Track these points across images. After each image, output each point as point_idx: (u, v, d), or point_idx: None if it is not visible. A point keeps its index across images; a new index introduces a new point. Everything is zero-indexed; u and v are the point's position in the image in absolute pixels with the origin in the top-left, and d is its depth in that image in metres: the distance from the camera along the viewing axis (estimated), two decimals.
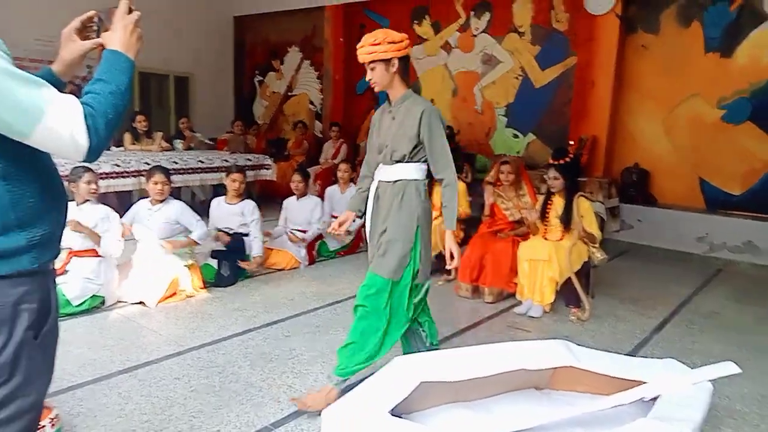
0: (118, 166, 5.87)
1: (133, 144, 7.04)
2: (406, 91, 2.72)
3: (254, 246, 4.71)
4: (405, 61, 2.68)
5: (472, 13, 8.05)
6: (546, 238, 4.26)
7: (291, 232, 5.20)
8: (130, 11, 1.36)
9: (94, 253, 3.82)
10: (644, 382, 2.55)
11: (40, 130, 1.15)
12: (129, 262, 4.16)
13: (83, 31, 1.45)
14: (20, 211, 1.24)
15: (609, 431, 2.11)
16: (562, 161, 4.20)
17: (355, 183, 6.12)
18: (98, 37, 1.42)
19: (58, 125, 1.16)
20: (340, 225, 2.93)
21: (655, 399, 2.45)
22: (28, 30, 7.48)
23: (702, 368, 2.53)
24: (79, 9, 1.48)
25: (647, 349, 3.54)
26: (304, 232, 5.23)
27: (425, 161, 2.70)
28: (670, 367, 2.65)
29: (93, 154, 1.22)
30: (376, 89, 2.75)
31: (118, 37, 1.34)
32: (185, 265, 4.18)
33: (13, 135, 1.16)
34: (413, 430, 1.96)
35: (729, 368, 2.45)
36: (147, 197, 4.32)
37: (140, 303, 3.91)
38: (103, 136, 1.22)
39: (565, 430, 2.39)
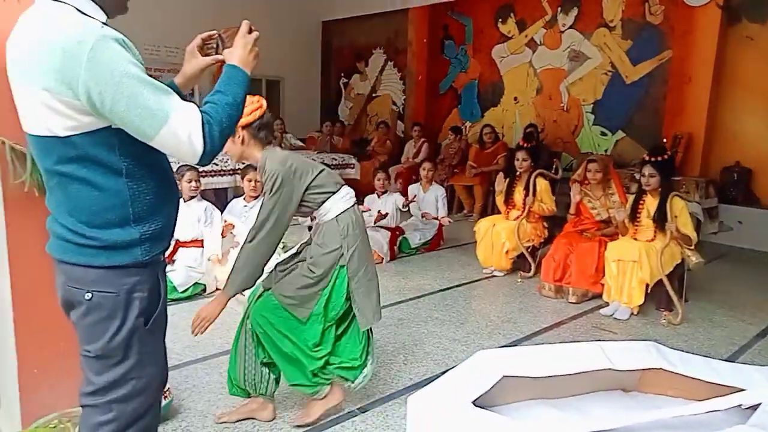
0: (216, 164, 6.29)
1: None
2: (263, 153, 2.39)
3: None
4: (256, 127, 2.39)
5: (558, 8, 7.87)
6: (636, 239, 4.12)
7: (375, 224, 5.29)
8: (251, 31, 1.50)
9: (198, 244, 4.15)
10: (742, 389, 2.44)
11: (163, 133, 1.26)
12: (228, 253, 4.46)
13: (203, 48, 1.62)
14: (137, 207, 1.37)
15: None
16: (660, 158, 4.04)
17: (437, 182, 6.21)
18: (217, 53, 1.58)
19: (180, 130, 1.27)
20: None
21: (755, 408, 2.34)
22: (160, 38, 8.41)
23: None
24: (204, 25, 1.68)
25: (747, 357, 3.36)
26: (387, 228, 5.36)
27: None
28: None
29: (206, 158, 1.33)
30: (233, 161, 2.45)
31: (238, 54, 1.47)
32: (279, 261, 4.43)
33: (138, 135, 1.28)
34: (496, 421, 2.00)
35: None
36: (241, 195, 4.63)
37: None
38: (217, 142, 1.33)
39: None
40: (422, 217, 5.78)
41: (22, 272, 1.97)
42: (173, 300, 3.89)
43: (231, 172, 6.32)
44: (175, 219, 1.54)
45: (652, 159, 4.02)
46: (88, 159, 1.30)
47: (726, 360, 3.21)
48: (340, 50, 11.26)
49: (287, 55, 10.90)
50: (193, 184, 4.22)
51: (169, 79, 1.64)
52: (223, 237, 4.24)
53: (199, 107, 1.34)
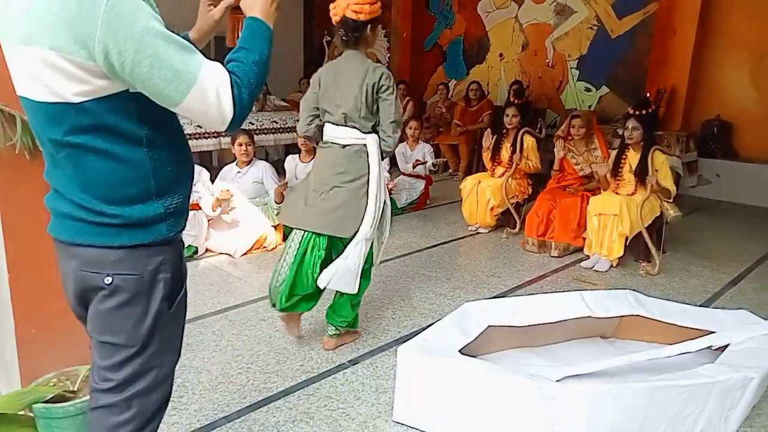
0: (199, 126, 6.23)
1: None
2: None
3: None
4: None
5: None
6: (617, 193, 4.21)
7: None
8: None
9: (192, 207, 4.16)
10: (713, 332, 2.58)
11: (190, 98, 1.12)
12: (220, 217, 4.48)
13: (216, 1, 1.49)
14: (160, 179, 1.23)
15: (675, 375, 2.17)
16: (644, 112, 4.08)
17: (423, 140, 6.22)
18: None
19: (209, 93, 1.14)
20: None
21: (724, 349, 2.47)
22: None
23: None
24: None
25: (719, 303, 3.50)
26: None
27: None
28: (741, 318, 2.65)
29: (236, 123, 1.20)
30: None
31: (259, 6, 1.30)
32: (272, 225, 4.46)
33: (162, 101, 1.14)
34: (481, 367, 2.11)
35: None
36: (230, 161, 4.61)
37: (226, 254, 4.24)
38: (246, 106, 1.20)
39: (630, 376, 2.47)
40: (413, 167, 5.83)
41: (16, 235, 1.99)
42: None
43: (215, 135, 6.27)
44: (191, 193, 1.40)
45: (636, 112, 4.06)
46: (105, 128, 1.16)
47: (700, 306, 3.35)
48: (322, 7, 10.99)
49: None
50: None
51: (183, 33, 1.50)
52: (219, 205, 4.22)
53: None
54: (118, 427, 1.28)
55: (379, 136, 2.70)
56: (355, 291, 2.69)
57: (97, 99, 1.13)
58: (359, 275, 2.66)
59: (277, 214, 4.50)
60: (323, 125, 2.77)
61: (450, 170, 7.77)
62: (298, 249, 2.71)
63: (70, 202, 1.21)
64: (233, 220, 4.36)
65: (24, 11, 1.09)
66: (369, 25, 2.63)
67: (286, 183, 4.70)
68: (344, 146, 2.69)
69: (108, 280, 1.21)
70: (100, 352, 1.28)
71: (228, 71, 1.18)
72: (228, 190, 4.26)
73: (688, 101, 6.50)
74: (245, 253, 4.26)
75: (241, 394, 2.42)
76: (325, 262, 2.70)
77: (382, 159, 2.76)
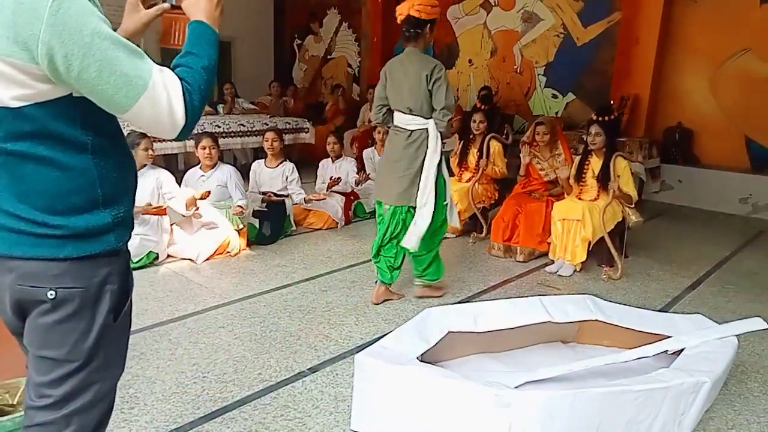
0: None
1: None
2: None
3: (295, 196, 4.90)
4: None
5: None
6: (580, 198, 4.26)
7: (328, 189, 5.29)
8: None
9: (152, 212, 4.05)
10: (669, 337, 2.61)
11: (140, 104, 1.08)
12: (188, 221, 4.37)
13: (149, 0, 1.40)
14: (106, 187, 1.19)
15: (630, 380, 2.18)
16: (606, 118, 4.14)
17: None
18: (164, 1, 1.39)
19: (160, 100, 1.10)
20: None
21: (680, 353, 2.50)
22: None
23: (729, 323, 2.56)
24: None
25: (678, 307, 3.56)
26: (341, 193, 5.36)
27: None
28: (696, 322, 2.69)
29: (187, 130, 1.16)
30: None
31: (203, 8, 1.25)
32: (236, 230, 4.38)
33: (110, 107, 1.10)
34: (438, 374, 2.09)
35: (756, 324, 2.47)
36: (196, 164, 4.52)
37: (189, 259, 4.15)
38: (197, 113, 1.16)
39: (588, 381, 2.48)
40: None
41: None
42: None
43: None
44: (134, 202, 1.36)
45: (599, 118, 4.12)
46: (47, 134, 1.10)
47: (659, 311, 3.40)
48: (293, 10, 10.94)
49: (238, 14, 10.50)
50: (149, 152, 4.10)
51: None
52: (187, 209, 4.13)
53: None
54: None
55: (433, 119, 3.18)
56: (415, 249, 3.30)
57: (38, 104, 1.07)
58: (420, 237, 3.22)
59: (242, 218, 4.43)
60: (393, 112, 3.31)
61: None
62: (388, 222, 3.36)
63: (5, 213, 1.14)
64: (204, 223, 4.28)
65: None
66: (428, 25, 3.17)
67: (241, 211, 4.51)
68: (411, 132, 3.21)
69: (51, 294, 1.14)
70: (38, 367, 1.21)
71: (178, 77, 1.14)
72: (196, 197, 4.17)
73: (651, 109, 6.64)
74: (208, 259, 4.17)
75: (195, 404, 2.36)
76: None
77: (442, 139, 3.24)
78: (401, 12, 3.16)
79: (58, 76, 1.05)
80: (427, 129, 3.18)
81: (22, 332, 1.23)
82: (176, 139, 1.22)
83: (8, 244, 1.15)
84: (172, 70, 1.17)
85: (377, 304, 3.46)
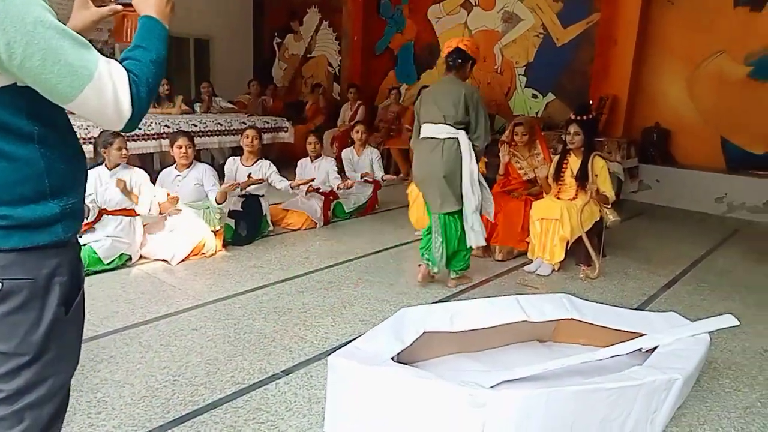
0: (139, 128, 6.00)
1: (154, 107, 7.16)
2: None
3: (278, 184, 4.84)
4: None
5: None
6: (559, 198, 4.27)
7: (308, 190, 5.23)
8: None
9: (124, 213, 3.96)
10: (644, 335, 2.62)
11: (85, 95, 1.08)
12: (159, 222, 4.30)
13: None
14: (53, 178, 1.18)
15: (603, 378, 2.18)
16: (584, 117, 4.16)
17: (371, 145, 6.17)
18: (116, 2, 1.40)
19: (105, 90, 1.10)
20: None
21: (654, 350, 2.51)
22: None
23: (701, 321, 2.57)
24: None
25: (654, 306, 3.58)
26: (321, 193, 5.31)
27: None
28: (670, 319, 2.70)
29: (134, 122, 1.16)
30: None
31: (152, 3, 1.27)
32: (212, 230, 4.31)
33: (54, 97, 1.10)
34: (411, 374, 2.06)
35: (727, 321, 2.49)
36: (172, 163, 4.44)
37: (162, 260, 4.07)
38: (145, 105, 1.17)
39: (564, 379, 2.47)
40: (361, 177, 5.73)
41: None
42: (96, 271, 3.74)
43: (155, 137, 6.06)
44: (85, 193, 1.36)
45: (577, 118, 4.14)
46: None
47: (636, 309, 3.42)
48: (273, 8, 10.85)
49: (217, 12, 10.43)
50: (123, 151, 4.01)
51: None
52: (163, 211, 4.05)
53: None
54: None
55: (471, 141, 3.54)
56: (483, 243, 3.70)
57: None
58: (482, 233, 3.62)
59: (219, 218, 4.36)
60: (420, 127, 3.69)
61: (401, 174, 7.76)
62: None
63: None
64: (174, 225, 4.20)
65: None
66: (471, 61, 3.64)
67: (236, 183, 4.55)
68: (443, 140, 3.50)
69: None
70: None
71: (125, 69, 1.15)
72: (175, 198, 4.08)
73: (629, 109, 6.71)
74: (183, 260, 4.09)
75: (165, 408, 2.30)
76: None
77: (476, 159, 3.58)
78: (450, 45, 3.64)
79: (0, 64, 1.03)
80: (458, 139, 3.48)
81: None
82: (123, 131, 1.19)
83: None
84: (120, 63, 1.16)
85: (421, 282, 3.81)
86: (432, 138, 3.56)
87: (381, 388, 2.06)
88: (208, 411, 2.29)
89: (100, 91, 1.10)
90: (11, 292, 1.14)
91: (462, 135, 3.50)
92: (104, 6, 1.40)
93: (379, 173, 5.77)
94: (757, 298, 3.77)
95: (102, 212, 3.94)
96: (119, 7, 1.38)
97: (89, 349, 2.74)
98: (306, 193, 5.19)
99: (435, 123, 3.54)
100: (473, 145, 3.53)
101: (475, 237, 3.60)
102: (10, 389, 1.18)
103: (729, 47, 6.11)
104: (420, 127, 3.69)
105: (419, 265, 3.87)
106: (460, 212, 3.62)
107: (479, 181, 3.60)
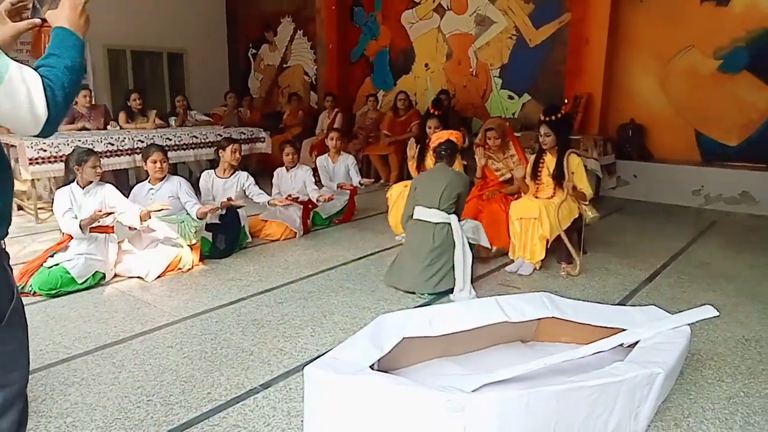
0: (112, 144, 5.90)
1: (128, 123, 7.05)
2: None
3: (257, 198, 4.81)
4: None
5: None
6: (537, 197, 4.26)
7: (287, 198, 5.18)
8: None
9: (98, 230, 3.87)
10: (625, 330, 2.59)
11: None
12: (134, 238, 4.20)
13: (16, 13, 1.41)
14: None
15: (584, 376, 2.15)
16: (552, 117, 4.17)
17: (346, 152, 6.13)
18: (33, 17, 1.39)
19: (18, 94, 1.11)
20: None
21: (635, 345, 2.49)
22: None
23: (681, 313, 2.56)
24: None
25: (635, 300, 3.57)
26: (299, 202, 5.25)
27: None
28: (650, 313, 2.68)
29: (50, 127, 1.17)
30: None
31: (65, 16, 1.30)
32: (188, 245, 4.22)
33: None
34: (388, 382, 2.01)
35: (707, 312, 2.48)
36: (145, 178, 4.35)
37: (137, 278, 3.98)
38: (61, 109, 1.18)
39: (547, 379, 2.44)
40: (338, 188, 5.69)
41: None
42: (69, 292, 3.64)
43: (129, 152, 5.96)
44: (11, 199, 1.33)
45: (546, 119, 4.14)
46: None
47: (617, 305, 3.41)
48: (246, 20, 10.80)
49: (190, 25, 10.35)
50: (98, 169, 3.92)
51: None
52: (141, 222, 3.96)
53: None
54: None
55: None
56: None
57: None
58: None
59: (195, 232, 4.27)
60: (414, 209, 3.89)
61: (381, 180, 7.72)
62: None
63: None
64: (159, 239, 4.12)
65: None
66: (458, 153, 4.13)
67: (217, 207, 4.48)
68: (436, 223, 3.73)
69: None
70: None
71: (39, 74, 1.16)
72: (148, 213, 3.98)
73: (604, 106, 6.76)
74: (159, 276, 4.00)
75: (138, 430, 2.22)
76: None
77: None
78: (441, 137, 4.05)
79: None
80: (449, 224, 3.73)
81: None
82: (40, 135, 1.19)
83: None
84: (35, 70, 1.17)
85: None
86: (425, 221, 3.78)
87: (358, 397, 2.00)
88: (183, 431, 2.21)
89: (11, 94, 1.11)
90: None
91: (453, 219, 3.74)
92: (24, 21, 1.40)
93: (356, 179, 5.74)
94: (737, 288, 3.78)
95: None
96: (38, 21, 1.38)
97: (59, 372, 2.65)
98: (286, 198, 5.13)
99: (428, 207, 3.78)
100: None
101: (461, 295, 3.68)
102: None
103: (698, 42, 6.20)
104: (413, 208, 3.89)
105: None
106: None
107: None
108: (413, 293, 3.69)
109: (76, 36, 1.29)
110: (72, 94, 1.22)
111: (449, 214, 3.75)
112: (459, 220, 3.79)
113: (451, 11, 8.14)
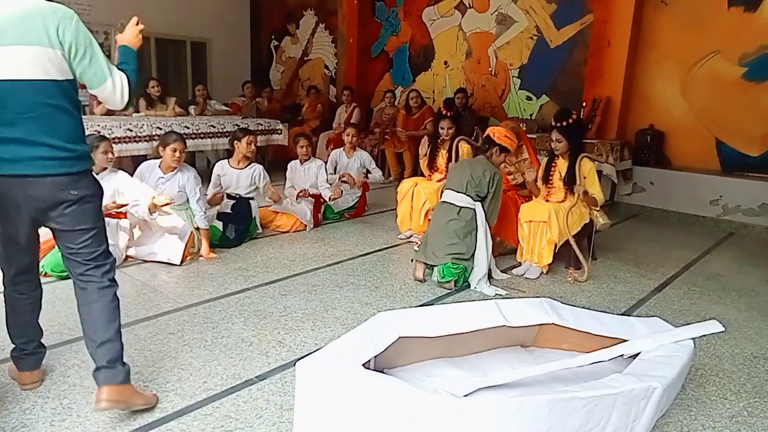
0: (131, 130, 5.96)
1: (147, 109, 7.13)
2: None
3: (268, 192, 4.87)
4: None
5: None
6: (548, 200, 4.21)
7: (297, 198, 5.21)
8: (138, 23, 2.28)
9: (112, 216, 3.91)
10: (626, 340, 2.55)
11: (105, 84, 2.07)
12: (146, 223, 4.24)
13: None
14: (83, 129, 2.13)
15: (579, 386, 2.11)
16: (564, 123, 4.11)
17: (361, 147, 6.12)
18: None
19: (116, 82, 2.09)
20: None
21: (637, 357, 2.44)
22: None
23: (685, 327, 2.50)
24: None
25: (642, 310, 3.51)
26: (311, 195, 5.26)
27: None
28: (653, 325, 2.63)
29: (128, 103, 2.16)
30: None
31: (127, 38, 2.24)
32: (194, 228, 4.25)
33: (87, 82, 2.05)
34: (381, 381, 2.00)
35: (712, 326, 2.42)
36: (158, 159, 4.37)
37: (157, 262, 4.04)
38: (132, 93, 2.16)
39: (544, 386, 2.41)
40: (339, 179, 5.67)
41: None
42: None
43: (147, 138, 6.02)
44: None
45: (558, 124, 4.08)
46: (70, 97, 2.05)
47: (623, 314, 3.36)
48: (270, 11, 10.82)
49: (214, 15, 10.41)
50: (109, 155, 3.94)
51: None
52: (150, 214, 4.01)
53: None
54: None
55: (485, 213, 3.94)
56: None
57: (69, 80, 2.07)
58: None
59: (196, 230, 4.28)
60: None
61: (392, 177, 7.71)
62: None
63: (42, 144, 1.99)
64: (167, 228, 4.16)
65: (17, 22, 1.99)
66: (503, 152, 4.11)
67: (221, 195, 4.51)
68: (460, 208, 3.87)
69: (75, 192, 2.10)
70: (84, 239, 2.21)
71: (125, 75, 2.14)
72: (161, 203, 4.01)
73: (623, 111, 6.64)
74: (183, 260, 4.06)
75: (131, 415, 2.24)
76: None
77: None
78: (494, 133, 4.10)
79: (70, 63, 2.02)
80: (474, 210, 3.86)
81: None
82: (123, 108, 2.20)
83: (44, 166, 1.99)
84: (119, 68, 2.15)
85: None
86: (451, 204, 3.90)
87: (348, 394, 1.99)
88: (175, 418, 2.23)
89: (114, 82, 2.09)
90: (83, 197, 2.10)
91: (478, 206, 3.88)
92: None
93: (377, 172, 5.83)
94: (749, 303, 3.70)
95: None
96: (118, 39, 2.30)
97: (61, 353, 2.69)
98: (296, 198, 5.16)
99: (456, 191, 3.90)
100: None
101: (480, 283, 3.85)
102: (103, 248, 2.29)
103: (723, 48, 6.05)
104: (444, 189, 4.09)
105: (411, 261, 4.06)
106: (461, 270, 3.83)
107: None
108: (431, 270, 3.91)
109: (133, 51, 2.23)
110: (135, 84, 2.15)
111: (474, 201, 3.87)
112: (486, 218, 3.89)
113: (472, 9, 8.07)
